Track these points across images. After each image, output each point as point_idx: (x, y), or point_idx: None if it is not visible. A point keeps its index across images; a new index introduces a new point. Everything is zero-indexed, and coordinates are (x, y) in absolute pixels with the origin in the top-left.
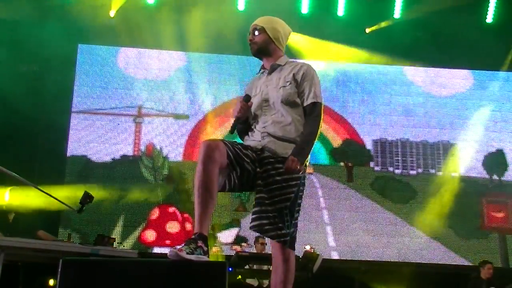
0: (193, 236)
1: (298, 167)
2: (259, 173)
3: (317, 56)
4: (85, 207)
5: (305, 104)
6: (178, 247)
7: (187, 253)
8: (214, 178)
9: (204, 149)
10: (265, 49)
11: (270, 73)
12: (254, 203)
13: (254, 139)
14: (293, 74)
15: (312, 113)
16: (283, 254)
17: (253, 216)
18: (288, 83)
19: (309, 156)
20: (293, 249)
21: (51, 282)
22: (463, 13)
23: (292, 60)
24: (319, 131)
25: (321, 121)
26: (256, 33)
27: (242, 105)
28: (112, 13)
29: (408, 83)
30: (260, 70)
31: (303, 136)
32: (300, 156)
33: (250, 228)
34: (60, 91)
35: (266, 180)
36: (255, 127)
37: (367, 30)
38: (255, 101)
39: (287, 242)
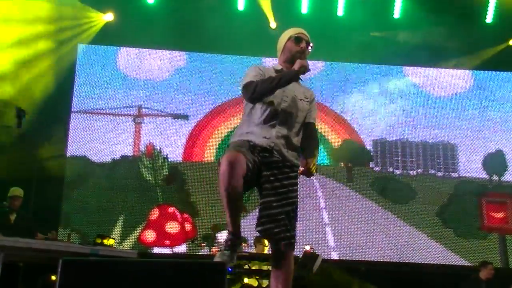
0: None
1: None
2: (265, 176)
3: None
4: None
5: (311, 121)
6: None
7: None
8: (241, 189)
9: (229, 163)
10: None
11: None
12: (260, 206)
13: (267, 136)
14: (310, 94)
15: (315, 131)
16: (286, 256)
17: (261, 219)
18: (307, 99)
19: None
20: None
21: (53, 277)
22: (462, 13)
23: None
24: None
25: None
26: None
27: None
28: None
29: (408, 84)
30: (278, 69)
31: (315, 144)
32: (315, 158)
33: (258, 231)
34: (60, 91)
35: (273, 184)
36: (271, 124)
37: (372, 34)
38: (282, 102)
39: (293, 244)
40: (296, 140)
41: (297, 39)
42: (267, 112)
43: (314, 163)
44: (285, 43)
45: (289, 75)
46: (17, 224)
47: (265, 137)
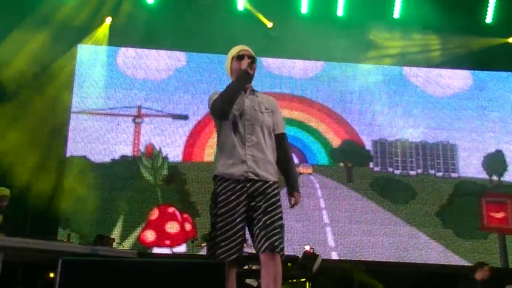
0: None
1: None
2: (252, 206)
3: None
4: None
5: (280, 132)
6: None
7: None
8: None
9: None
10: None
11: (247, 95)
12: (254, 230)
13: (237, 163)
14: (270, 103)
15: (286, 141)
16: (277, 259)
17: (262, 239)
18: (268, 110)
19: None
20: None
21: (52, 274)
22: (462, 13)
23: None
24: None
25: None
26: (251, 62)
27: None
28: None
29: (407, 84)
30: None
31: (293, 167)
32: (299, 192)
33: (262, 251)
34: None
35: (262, 207)
36: (236, 146)
37: (371, 37)
38: (237, 118)
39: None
40: (270, 155)
41: (239, 57)
42: (233, 135)
43: (300, 197)
44: (230, 64)
45: (235, 80)
46: (5, 226)
47: (237, 166)
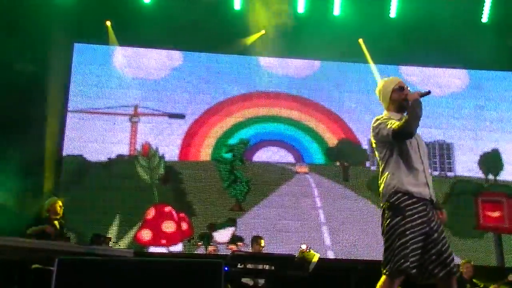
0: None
1: None
2: (428, 230)
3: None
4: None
5: None
6: None
7: None
8: None
9: None
10: None
11: None
12: (430, 254)
13: (421, 184)
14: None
15: None
16: (453, 283)
17: (440, 265)
18: (421, 140)
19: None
20: None
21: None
22: (459, 12)
23: None
24: None
25: None
26: None
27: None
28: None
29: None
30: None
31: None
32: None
33: (440, 277)
34: (56, 90)
35: (438, 232)
36: (417, 168)
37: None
38: (416, 149)
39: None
40: (431, 179)
41: (400, 89)
42: (412, 158)
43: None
44: (390, 95)
45: (413, 106)
46: (61, 234)
47: (423, 185)
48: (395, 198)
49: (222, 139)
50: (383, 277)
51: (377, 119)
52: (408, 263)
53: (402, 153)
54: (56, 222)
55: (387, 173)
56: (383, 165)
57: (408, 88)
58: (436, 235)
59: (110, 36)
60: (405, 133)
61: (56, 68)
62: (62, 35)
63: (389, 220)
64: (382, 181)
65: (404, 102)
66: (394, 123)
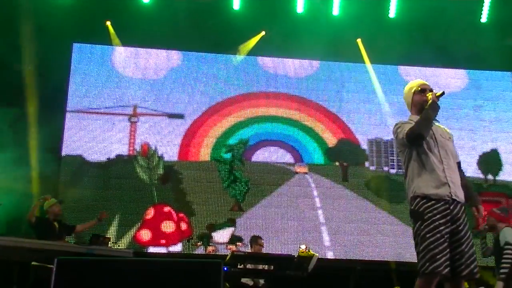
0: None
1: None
2: (452, 230)
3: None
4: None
5: (459, 160)
6: None
7: None
8: None
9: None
10: None
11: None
12: (454, 254)
13: (440, 185)
14: (449, 133)
15: (461, 169)
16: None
17: (463, 265)
18: (450, 139)
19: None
20: None
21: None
22: (458, 12)
23: None
24: None
25: None
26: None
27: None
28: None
29: (403, 83)
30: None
31: (471, 187)
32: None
33: (462, 276)
34: (55, 90)
35: (463, 231)
36: (435, 169)
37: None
38: (431, 144)
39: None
40: (458, 178)
41: (421, 91)
42: (431, 159)
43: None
44: (412, 97)
45: (427, 109)
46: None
47: (441, 185)
48: (414, 203)
49: (222, 139)
50: (417, 280)
51: (397, 123)
52: (436, 264)
53: (419, 156)
54: (55, 224)
55: (407, 178)
56: (405, 170)
57: (431, 90)
58: (461, 234)
59: (111, 36)
60: (415, 135)
61: (55, 68)
62: (61, 35)
63: (413, 226)
64: (406, 187)
65: (425, 104)
66: (409, 127)
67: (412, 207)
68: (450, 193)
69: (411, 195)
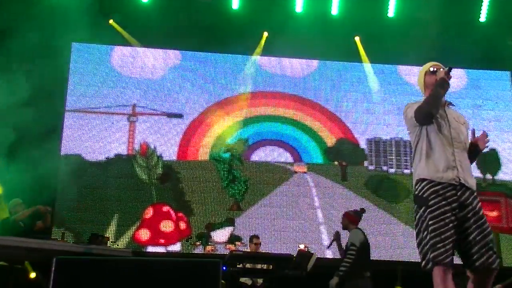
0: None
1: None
2: (461, 217)
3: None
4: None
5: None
6: None
7: None
8: None
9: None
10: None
11: (447, 106)
12: (464, 244)
13: (447, 168)
14: (464, 119)
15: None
16: (490, 277)
17: (474, 255)
18: (464, 124)
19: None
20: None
21: (33, 275)
22: (456, 12)
23: None
24: None
25: None
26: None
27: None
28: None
29: (402, 82)
30: None
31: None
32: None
33: (474, 268)
34: (54, 89)
35: (472, 220)
36: (445, 152)
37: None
38: (443, 126)
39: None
40: (469, 164)
41: (432, 72)
42: (441, 142)
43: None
44: (424, 79)
45: (436, 85)
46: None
47: (449, 169)
48: (419, 188)
49: (221, 139)
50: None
51: (407, 104)
52: (436, 253)
53: (428, 137)
54: (21, 224)
55: (414, 161)
56: (413, 152)
57: (448, 69)
58: (471, 222)
59: (122, 34)
60: (424, 113)
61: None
62: (60, 35)
63: (415, 213)
64: (413, 171)
65: None
66: (418, 106)
67: (416, 192)
68: (457, 177)
69: (416, 179)
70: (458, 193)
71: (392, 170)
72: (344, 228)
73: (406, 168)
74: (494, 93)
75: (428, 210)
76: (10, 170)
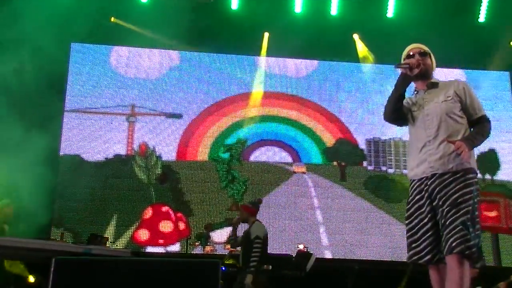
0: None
1: (463, 150)
2: (434, 207)
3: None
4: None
5: (475, 118)
6: None
7: None
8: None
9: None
10: (427, 73)
11: (427, 90)
12: (444, 224)
13: (420, 163)
14: (452, 89)
15: (482, 122)
16: (455, 263)
17: (443, 243)
18: (449, 97)
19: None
20: None
21: (32, 279)
22: (455, 12)
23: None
24: (486, 137)
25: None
26: (420, 57)
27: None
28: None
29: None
30: (414, 91)
31: (474, 132)
32: (467, 141)
33: (452, 251)
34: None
35: (440, 208)
36: (418, 146)
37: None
38: (417, 117)
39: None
40: (444, 148)
41: (408, 57)
42: (415, 136)
43: (459, 144)
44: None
45: (396, 83)
46: None
47: (421, 163)
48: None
49: (220, 139)
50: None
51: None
52: (412, 252)
53: (409, 134)
54: (5, 226)
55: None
56: None
57: (421, 54)
58: (443, 207)
59: (130, 28)
60: (384, 118)
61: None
62: (59, 35)
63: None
64: None
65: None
66: None
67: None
68: (428, 167)
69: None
70: (429, 182)
71: (391, 170)
72: (244, 221)
73: (405, 168)
74: (493, 93)
75: (406, 209)
76: (10, 170)
